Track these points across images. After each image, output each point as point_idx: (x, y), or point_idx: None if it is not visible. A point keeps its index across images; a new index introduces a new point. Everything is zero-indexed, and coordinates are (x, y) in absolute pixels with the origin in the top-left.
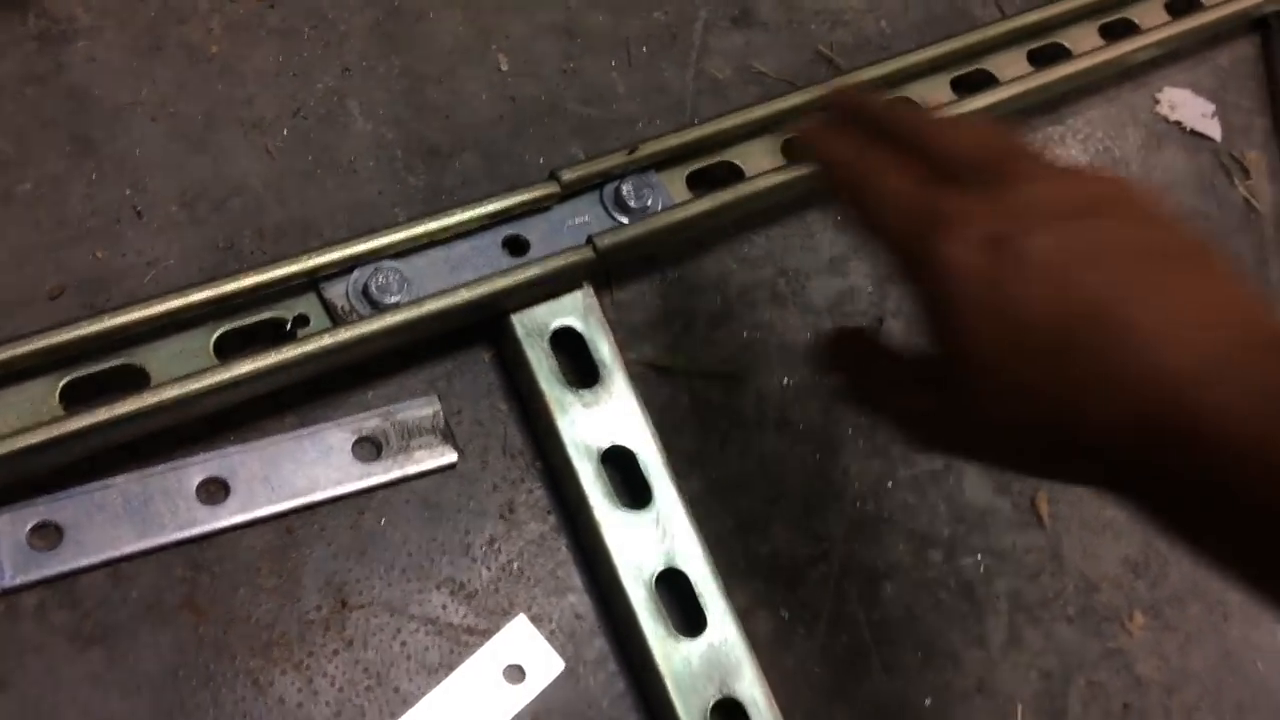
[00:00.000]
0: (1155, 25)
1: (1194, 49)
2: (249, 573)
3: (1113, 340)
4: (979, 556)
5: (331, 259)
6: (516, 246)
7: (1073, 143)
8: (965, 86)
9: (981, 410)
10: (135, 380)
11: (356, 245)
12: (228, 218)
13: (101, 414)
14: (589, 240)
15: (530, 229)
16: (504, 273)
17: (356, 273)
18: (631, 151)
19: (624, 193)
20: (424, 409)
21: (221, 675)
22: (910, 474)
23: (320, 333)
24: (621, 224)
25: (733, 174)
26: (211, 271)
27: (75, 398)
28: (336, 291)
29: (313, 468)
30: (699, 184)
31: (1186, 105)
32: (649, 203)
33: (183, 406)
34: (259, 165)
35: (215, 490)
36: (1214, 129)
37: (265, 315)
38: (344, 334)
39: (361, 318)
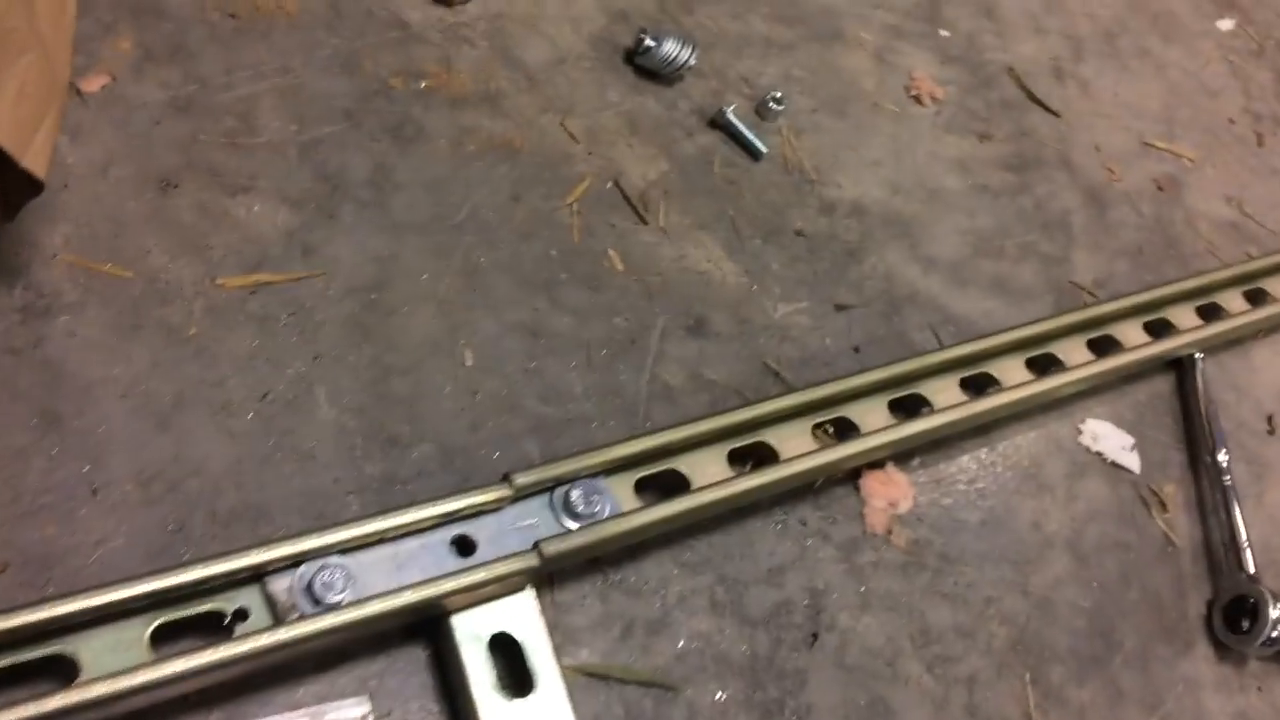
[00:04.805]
0: (1079, 363)
1: (1114, 384)
2: None
3: None
4: None
5: (279, 555)
6: (464, 546)
7: (1002, 467)
8: (902, 409)
9: None
10: (64, 671)
11: (304, 541)
12: (182, 499)
13: (30, 709)
14: (536, 546)
15: (479, 529)
16: (449, 575)
17: (303, 567)
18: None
19: (573, 498)
20: (355, 710)
21: None
22: None
23: (259, 631)
24: (569, 530)
25: (679, 482)
26: (159, 554)
27: None
28: (281, 585)
29: None
30: (647, 488)
31: (1108, 437)
32: (597, 509)
33: (111, 703)
34: (220, 448)
35: None
36: (1133, 462)
37: (206, 607)
38: (283, 634)
39: (303, 616)
